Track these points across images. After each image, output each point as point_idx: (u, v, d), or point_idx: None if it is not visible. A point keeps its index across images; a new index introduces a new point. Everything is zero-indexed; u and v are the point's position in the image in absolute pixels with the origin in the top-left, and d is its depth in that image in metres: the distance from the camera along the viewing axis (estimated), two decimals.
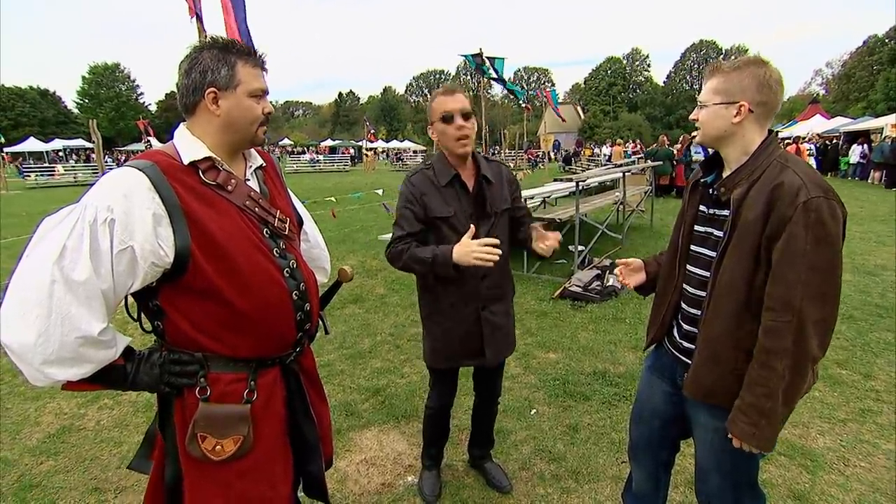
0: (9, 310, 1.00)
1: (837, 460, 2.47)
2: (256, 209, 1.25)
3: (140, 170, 1.08)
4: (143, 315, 1.23)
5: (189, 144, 1.18)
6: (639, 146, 20.84)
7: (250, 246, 1.20)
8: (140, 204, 1.05)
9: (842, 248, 1.23)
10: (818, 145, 19.29)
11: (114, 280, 1.05)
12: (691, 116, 1.41)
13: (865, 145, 17.04)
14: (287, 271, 1.28)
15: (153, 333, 1.24)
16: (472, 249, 1.69)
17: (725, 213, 1.33)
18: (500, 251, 1.71)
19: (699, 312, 1.41)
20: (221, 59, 1.16)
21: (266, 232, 1.26)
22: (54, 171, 25.69)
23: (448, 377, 2.15)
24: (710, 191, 1.41)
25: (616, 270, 1.76)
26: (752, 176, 1.28)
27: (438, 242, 1.87)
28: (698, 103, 1.38)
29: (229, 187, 1.20)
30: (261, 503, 1.28)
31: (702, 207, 1.45)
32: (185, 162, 1.15)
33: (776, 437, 1.29)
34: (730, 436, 1.32)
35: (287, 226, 1.33)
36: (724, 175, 1.38)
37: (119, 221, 1.03)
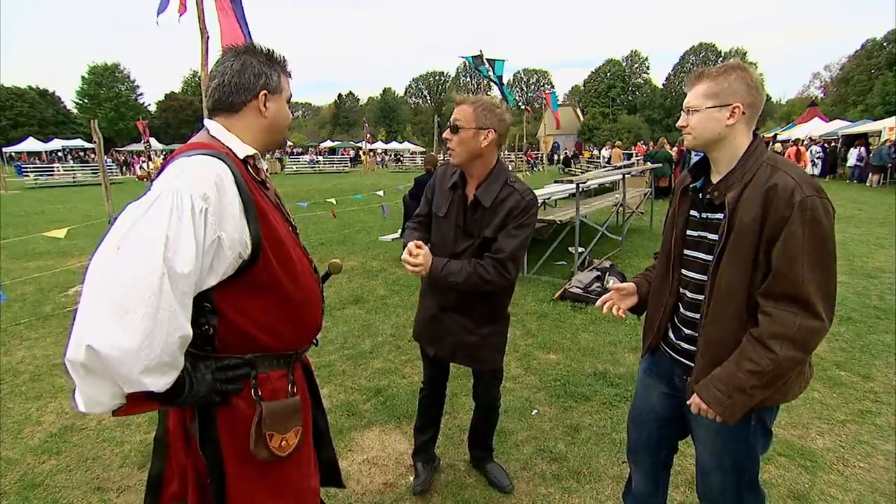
0: (96, 311, 0.88)
1: (837, 461, 2.48)
2: (282, 207, 1.31)
3: (221, 160, 1.08)
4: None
5: (235, 140, 1.20)
6: (649, 147, 20.01)
7: (292, 240, 1.26)
8: (229, 193, 1.05)
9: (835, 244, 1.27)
10: (825, 147, 19.07)
11: (200, 273, 1.00)
12: (679, 123, 1.41)
13: (863, 148, 17.11)
14: (314, 265, 1.35)
15: (194, 339, 1.10)
16: (406, 254, 1.86)
17: (719, 216, 1.35)
18: (418, 266, 1.82)
19: (698, 316, 1.42)
20: (271, 66, 1.22)
21: (290, 228, 1.31)
22: (53, 171, 25.67)
23: (426, 355, 2.23)
24: (702, 195, 1.43)
25: (607, 296, 1.69)
26: (744, 178, 1.31)
27: (433, 234, 2.07)
28: (685, 109, 1.39)
29: (268, 184, 1.26)
30: (312, 493, 1.34)
31: (693, 212, 1.47)
32: (241, 156, 1.17)
33: (742, 413, 1.30)
34: (689, 401, 1.34)
35: (296, 226, 1.39)
36: (714, 179, 1.40)
37: (213, 211, 1.01)
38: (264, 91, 1.20)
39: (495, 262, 1.85)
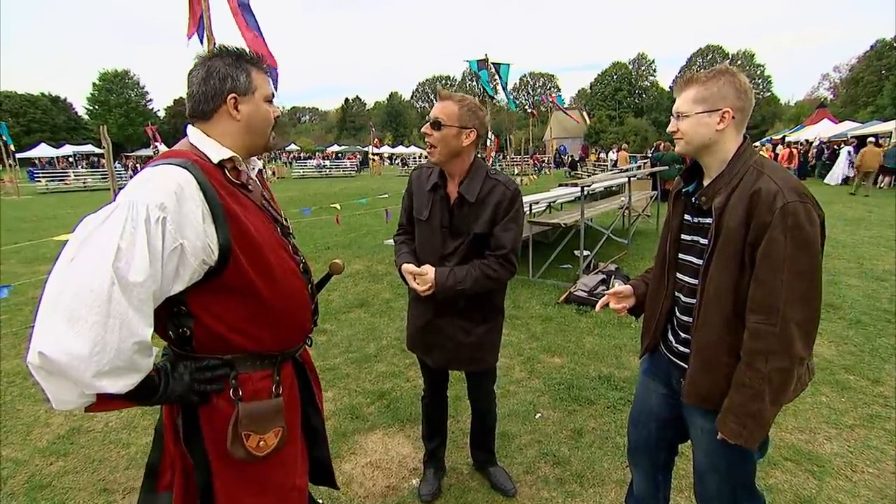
0: (51, 319, 0.92)
1: (845, 466, 2.45)
2: (269, 209, 1.30)
3: (185, 168, 1.08)
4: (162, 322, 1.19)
5: (213, 145, 1.19)
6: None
7: (274, 242, 1.25)
8: (190, 202, 1.05)
9: (822, 249, 1.25)
10: (855, 146, 18.31)
11: (161, 281, 1.02)
12: (669, 129, 1.41)
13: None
14: (301, 266, 1.35)
15: (174, 341, 1.18)
16: (410, 279, 1.91)
17: (709, 221, 1.35)
18: (426, 287, 1.85)
19: (691, 320, 1.42)
20: (238, 67, 1.20)
21: (278, 230, 1.31)
22: (66, 176, 26.05)
23: (424, 365, 2.22)
24: (693, 200, 1.43)
25: (605, 300, 1.69)
26: (731, 183, 1.31)
27: (417, 239, 2.03)
28: (675, 115, 1.38)
29: (250, 186, 1.25)
30: (298, 493, 1.33)
31: (686, 216, 1.47)
32: (215, 161, 1.17)
33: (764, 435, 1.31)
34: (719, 435, 1.34)
35: (289, 226, 1.39)
36: (705, 183, 1.40)
37: (171, 220, 1.01)
38: (232, 94, 1.19)
39: (499, 258, 1.87)
